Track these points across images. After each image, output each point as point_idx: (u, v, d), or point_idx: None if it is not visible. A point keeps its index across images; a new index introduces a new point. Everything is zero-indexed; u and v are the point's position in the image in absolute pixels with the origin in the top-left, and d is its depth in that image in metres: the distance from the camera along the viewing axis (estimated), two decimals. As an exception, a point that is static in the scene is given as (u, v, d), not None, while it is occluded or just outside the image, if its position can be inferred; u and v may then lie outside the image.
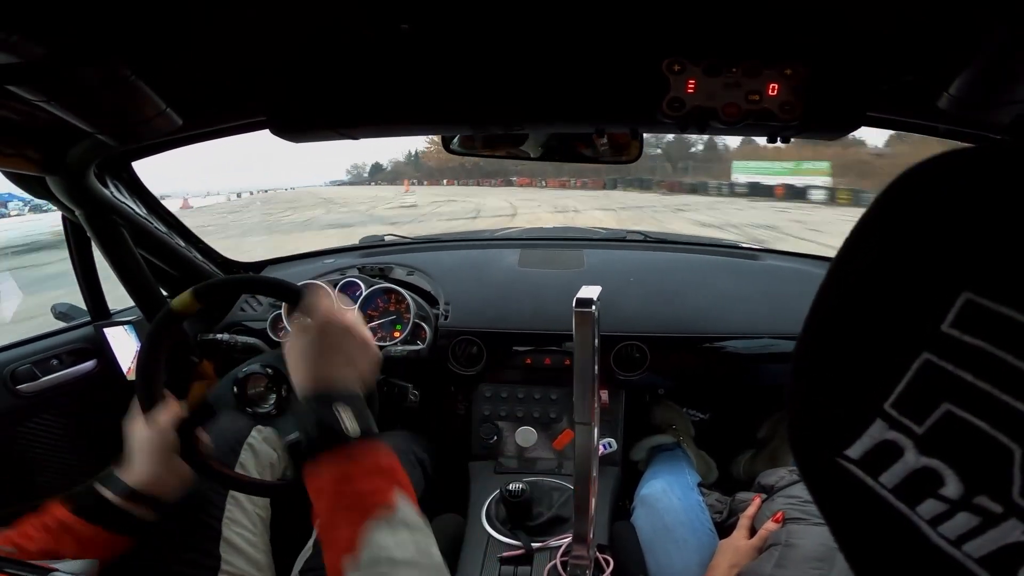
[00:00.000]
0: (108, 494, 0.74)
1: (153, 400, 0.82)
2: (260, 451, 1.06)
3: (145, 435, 0.78)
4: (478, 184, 52.36)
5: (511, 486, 1.08)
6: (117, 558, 0.84)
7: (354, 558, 0.53)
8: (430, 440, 1.42)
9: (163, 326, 0.80)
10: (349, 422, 0.60)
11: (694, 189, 33.54)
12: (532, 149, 1.10)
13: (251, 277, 0.90)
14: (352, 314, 0.71)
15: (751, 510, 1.05)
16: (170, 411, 0.81)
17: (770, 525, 0.96)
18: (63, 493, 0.76)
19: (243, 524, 1.00)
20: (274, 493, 0.96)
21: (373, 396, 0.67)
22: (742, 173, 33.00)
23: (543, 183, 46.69)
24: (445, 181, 58.61)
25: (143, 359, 0.83)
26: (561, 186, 44.24)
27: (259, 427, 1.06)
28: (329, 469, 0.58)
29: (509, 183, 47.94)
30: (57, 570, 0.57)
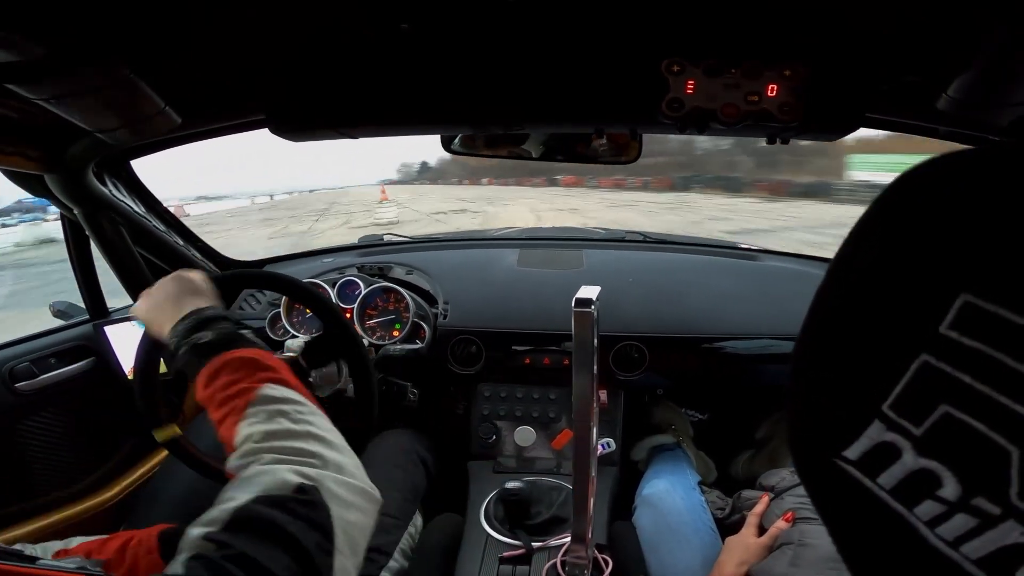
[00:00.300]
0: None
1: (153, 405, 0.82)
2: None
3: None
4: (519, 184, 45.64)
5: (509, 485, 1.08)
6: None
7: (233, 450, 0.53)
8: (431, 439, 1.42)
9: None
10: (205, 336, 0.64)
11: (811, 192, 22.70)
12: (532, 149, 1.10)
13: (245, 272, 0.91)
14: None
15: (760, 508, 1.04)
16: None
17: (781, 524, 0.95)
18: (61, 492, 0.77)
19: None
20: None
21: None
22: (863, 169, 22.66)
23: (594, 182, 38.27)
24: (486, 180, 51.77)
25: (140, 364, 0.84)
26: (616, 186, 35.11)
27: None
28: (200, 378, 0.61)
29: (554, 183, 40.58)
30: (68, 569, 0.57)
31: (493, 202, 24.35)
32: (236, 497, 0.45)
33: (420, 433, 1.38)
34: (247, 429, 0.53)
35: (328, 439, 0.54)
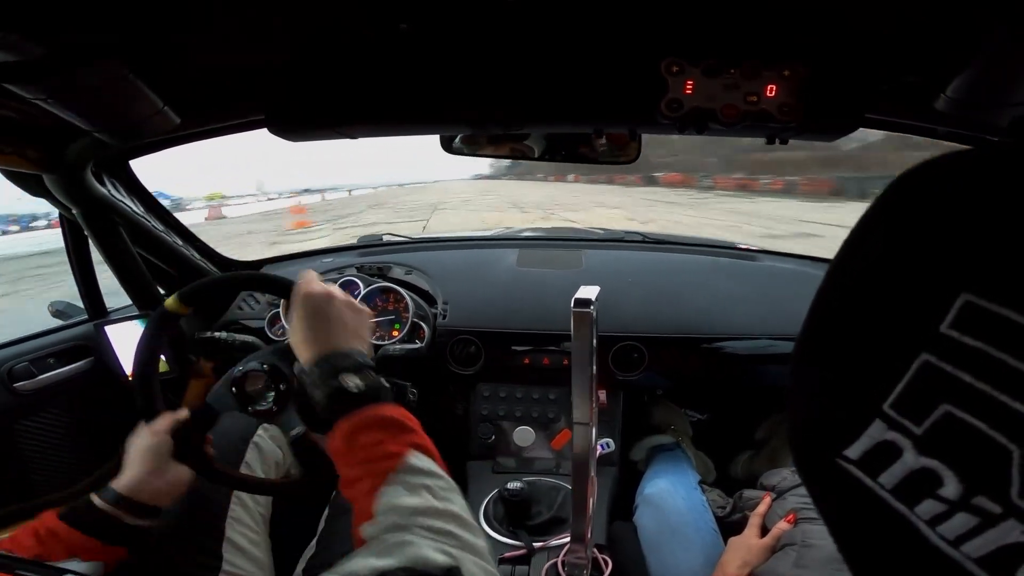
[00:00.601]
0: (99, 502, 0.74)
1: (152, 404, 0.82)
2: (265, 449, 1.06)
3: (142, 441, 0.78)
4: (610, 182, 38.78)
5: (509, 485, 1.08)
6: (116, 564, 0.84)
7: (371, 516, 0.52)
8: (434, 440, 1.42)
9: (157, 329, 0.82)
10: (351, 381, 0.61)
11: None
12: (531, 149, 1.10)
13: (239, 274, 0.90)
14: (334, 286, 0.73)
15: (762, 508, 1.04)
16: (168, 418, 0.81)
17: (783, 525, 0.95)
18: (60, 493, 0.76)
19: (247, 523, 1.00)
20: (279, 492, 0.95)
21: (376, 357, 0.67)
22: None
23: (709, 180, 28.31)
24: (572, 177, 45.89)
25: (139, 364, 0.84)
26: (741, 188, 25.35)
27: (265, 425, 1.06)
28: (340, 429, 0.59)
29: (652, 181, 32.84)
30: (70, 571, 0.57)
31: (552, 210, 18.29)
32: (378, 563, 0.45)
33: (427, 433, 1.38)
34: (391, 499, 0.52)
35: (467, 520, 0.54)
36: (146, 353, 0.84)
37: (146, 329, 0.83)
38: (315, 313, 0.68)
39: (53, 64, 0.61)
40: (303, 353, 0.67)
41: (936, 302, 0.21)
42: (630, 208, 17.67)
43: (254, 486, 0.92)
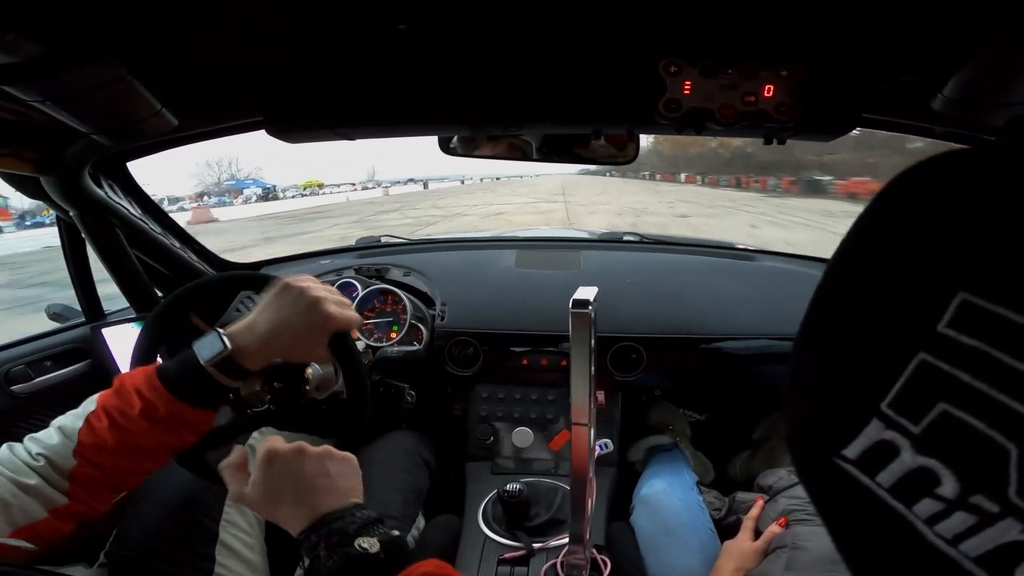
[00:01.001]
0: (207, 357, 0.68)
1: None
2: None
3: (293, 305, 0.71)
4: (738, 185, 31.54)
5: (508, 486, 1.08)
6: (105, 561, 0.84)
7: None
8: (432, 441, 1.42)
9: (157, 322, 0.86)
10: (366, 543, 0.55)
11: None
12: (529, 149, 1.10)
13: (211, 278, 0.91)
14: (301, 443, 0.66)
15: (754, 511, 1.04)
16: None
17: (774, 528, 0.95)
18: None
19: (241, 527, 1.00)
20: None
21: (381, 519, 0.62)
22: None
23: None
24: (683, 177, 37.19)
25: (136, 367, 0.84)
26: None
27: (262, 428, 1.05)
28: None
29: (815, 188, 25.57)
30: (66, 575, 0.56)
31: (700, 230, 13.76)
32: None
33: (422, 435, 1.38)
34: None
35: None
36: (143, 356, 0.84)
37: (144, 328, 0.86)
38: (291, 476, 0.61)
39: (50, 65, 0.61)
40: (289, 522, 0.60)
41: (933, 301, 0.21)
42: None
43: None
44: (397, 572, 0.54)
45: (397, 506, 1.10)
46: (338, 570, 0.53)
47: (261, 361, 0.70)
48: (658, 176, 44.36)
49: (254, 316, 0.71)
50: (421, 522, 1.17)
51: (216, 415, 0.73)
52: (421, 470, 1.25)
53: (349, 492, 0.63)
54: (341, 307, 0.73)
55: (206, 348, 0.68)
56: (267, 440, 0.64)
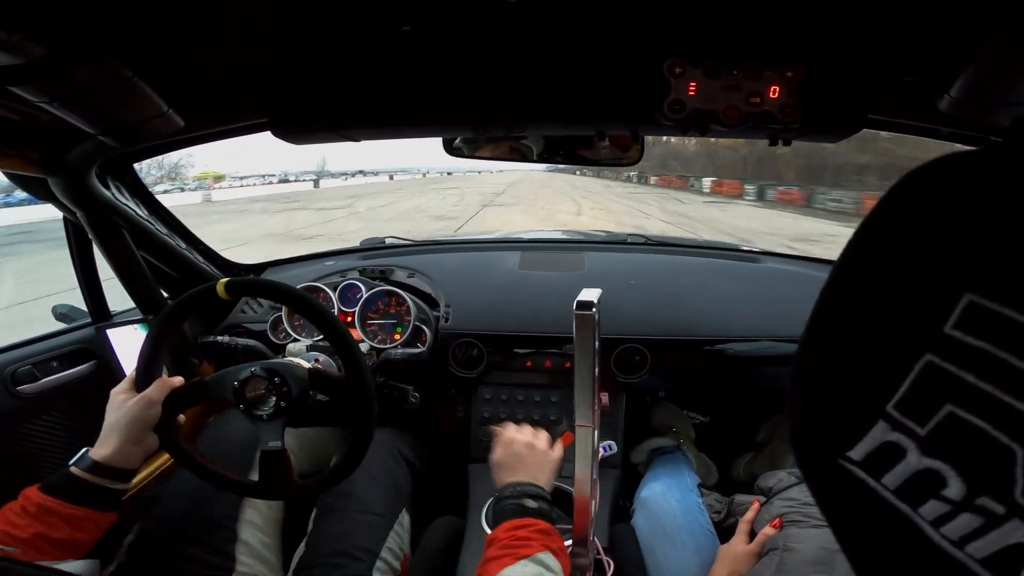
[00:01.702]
0: (76, 471, 0.79)
1: (150, 378, 0.84)
2: None
3: (127, 412, 0.83)
4: (818, 197, 19.20)
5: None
6: (126, 558, 0.85)
7: None
8: (426, 440, 1.42)
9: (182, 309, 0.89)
10: (531, 503, 0.82)
11: None
12: (532, 151, 1.10)
13: (316, 304, 0.90)
14: (527, 434, 0.97)
15: (750, 514, 1.04)
16: (163, 385, 0.86)
17: (768, 530, 0.95)
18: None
19: (258, 526, 1.01)
20: (233, 488, 0.95)
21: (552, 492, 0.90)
22: None
23: None
24: (738, 189, 25.86)
25: (142, 372, 0.85)
26: None
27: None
28: (510, 524, 0.78)
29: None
30: (63, 571, 0.57)
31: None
32: None
33: (404, 432, 1.37)
34: (513, 571, 0.69)
35: None
36: (150, 360, 0.86)
37: (169, 308, 0.90)
38: (517, 454, 0.93)
39: (56, 66, 0.61)
40: (502, 476, 0.91)
41: (940, 302, 0.21)
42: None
43: (213, 476, 0.92)
44: (532, 518, 0.79)
45: (378, 503, 1.11)
46: (508, 509, 0.81)
47: (129, 460, 0.83)
48: (654, 179, 36.84)
49: (500, 467, 0.94)
50: (406, 519, 1.17)
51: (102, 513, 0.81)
52: (399, 465, 1.25)
53: (538, 473, 0.90)
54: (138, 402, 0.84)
55: (78, 459, 0.81)
56: (509, 429, 0.99)
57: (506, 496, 0.84)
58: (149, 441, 0.85)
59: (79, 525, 0.76)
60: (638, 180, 39.29)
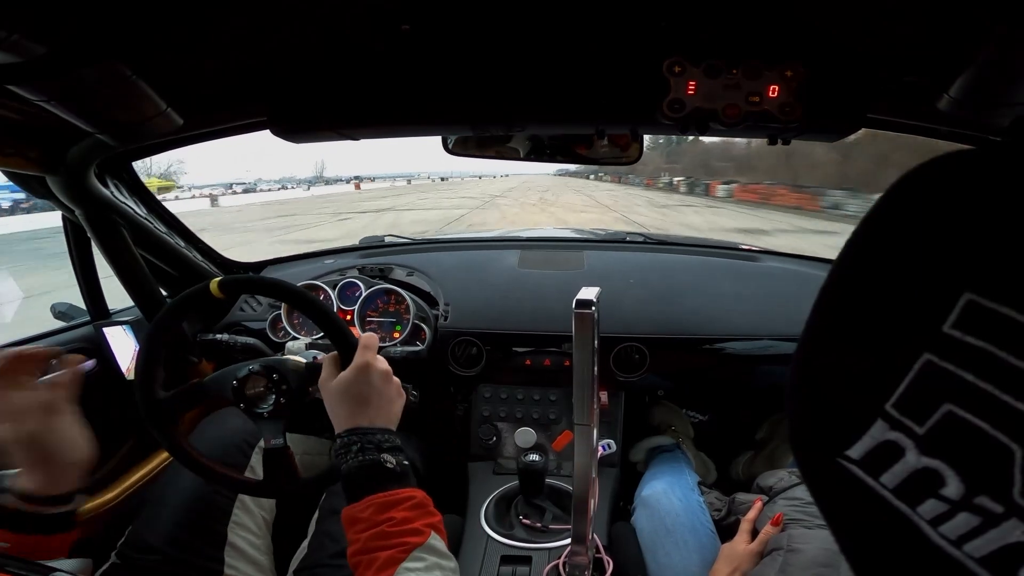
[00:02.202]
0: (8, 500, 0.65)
1: (153, 381, 0.84)
2: None
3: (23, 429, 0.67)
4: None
5: (528, 456, 1.11)
6: (118, 560, 0.84)
7: None
8: (424, 440, 1.42)
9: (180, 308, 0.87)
10: (391, 459, 0.67)
11: None
12: (532, 150, 1.10)
13: (304, 294, 0.88)
14: (386, 364, 0.77)
15: (752, 514, 1.04)
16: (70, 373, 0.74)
17: (769, 529, 0.95)
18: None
19: (248, 528, 1.00)
20: (236, 487, 0.95)
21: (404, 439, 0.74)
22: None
23: None
24: (773, 198, 22.90)
25: (141, 375, 0.85)
26: None
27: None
28: (373, 501, 0.64)
29: None
30: (58, 569, 0.57)
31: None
32: None
33: (410, 433, 1.37)
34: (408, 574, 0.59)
35: None
36: (148, 363, 0.85)
37: (164, 311, 0.87)
38: (370, 387, 0.72)
39: (55, 65, 0.61)
40: (342, 418, 0.71)
41: (939, 302, 0.21)
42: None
43: (222, 479, 0.91)
44: (399, 488, 0.66)
45: None
46: (359, 468, 0.66)
47: (61, 484, 0.67)
48: (753, 197, 26.82)
49: (336, 400, 0.75)
50: None
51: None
52: None
53: (392, 418, 0.74)
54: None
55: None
56: (369, 352, 0.75)
57: (353, 446, 0.67)
58: (75, 452, 0.68)
59: (38, 546, 0.64)
60: (701, 191, 29.21)
